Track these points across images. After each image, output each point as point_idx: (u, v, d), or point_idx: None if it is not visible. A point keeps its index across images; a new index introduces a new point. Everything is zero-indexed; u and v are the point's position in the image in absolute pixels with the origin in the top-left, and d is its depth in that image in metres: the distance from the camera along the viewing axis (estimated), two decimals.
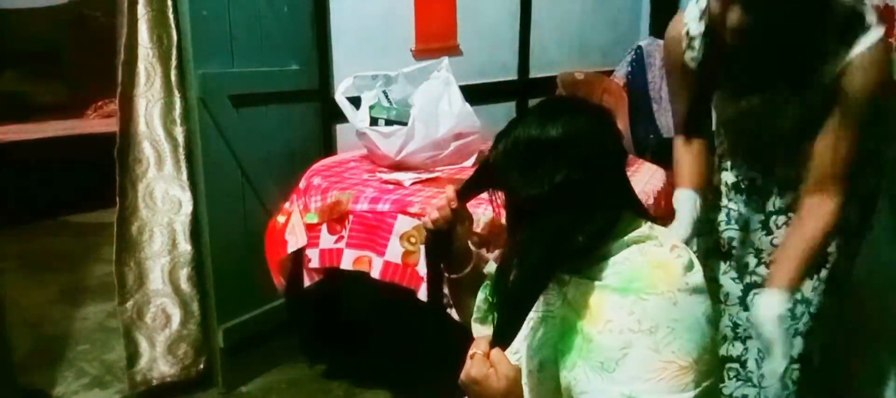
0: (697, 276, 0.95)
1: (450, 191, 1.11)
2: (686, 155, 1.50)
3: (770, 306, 1.22)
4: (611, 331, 0.90)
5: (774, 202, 1.42)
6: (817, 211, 1.27)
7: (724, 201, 1.51)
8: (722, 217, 1.51)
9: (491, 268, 1.16)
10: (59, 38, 4.70)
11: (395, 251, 1.79)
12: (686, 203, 1.42)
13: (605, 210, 0.96)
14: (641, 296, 0.91)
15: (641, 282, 0.92)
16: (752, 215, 1.46)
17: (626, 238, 0.96)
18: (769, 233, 1.44)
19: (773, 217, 1.43)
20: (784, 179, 1.40)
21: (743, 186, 1.47)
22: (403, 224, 1.79)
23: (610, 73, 3.26)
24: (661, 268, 0.93)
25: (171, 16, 2.00)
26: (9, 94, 4.46)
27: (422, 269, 1.75)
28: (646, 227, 0.98)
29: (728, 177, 1.50)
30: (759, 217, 1.45)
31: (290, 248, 2.03)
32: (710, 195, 1.54)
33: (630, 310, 0.90)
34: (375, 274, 1.82)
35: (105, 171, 2.24)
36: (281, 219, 2.11)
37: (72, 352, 2.51)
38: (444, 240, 1.15)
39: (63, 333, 2.65)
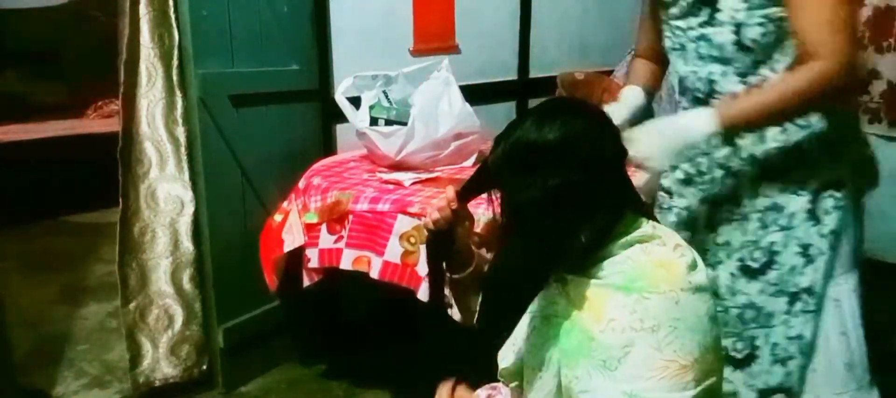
0: (700, 276, 0.96)
1: (450, 191, 1.11)
2: (641, 66, 1.57)
3: (694, 118, 1.21)
4: (613, 329, 0.91)
5: (719, 189, 1.41)
6: (798, 69, 1.20)
7: (675, 200, 1.50)
8: (672, 218, 1.50)
9: None
10: (59, 38, 4.69)
11: (394, 251, 1.79)
12: (631, 92, 1.48)
13: (605, 210, 0.96)
14: (644, 295, 0.91)
15: (644, 280, 0.92)
16: (699, 208, 1.45)
17: (628, 237, 0.96)
18: (712, 229, 1.43)
19: (716, 210, 1.42)
20: (725, 161, 1.39)
21: (690, 174, 1.46)
22: (403, 224, 1.79)
23: (610, 73, 3.25)
24: (664, 268, 0.94)
25: (172, 15, 2.00)
26: (9, 94, 4.46)
27: (421, 269, 1.75)
28: (648, 227, 0.99)
29: (678, 174, 1.49)
30: (704, 209, 1.44)
31: (287, 248, 2.03)
32: (659, 196, 1.55)
33: (632, 309, 0.91)
34: (375, 274, 1.82)
35: (105, 171, 2.24)
36: (277, 218, 2.11)
37: (72, 352, 2.51)
38: (445, 241, 1.15)
39: (63, 333, 2.64)
